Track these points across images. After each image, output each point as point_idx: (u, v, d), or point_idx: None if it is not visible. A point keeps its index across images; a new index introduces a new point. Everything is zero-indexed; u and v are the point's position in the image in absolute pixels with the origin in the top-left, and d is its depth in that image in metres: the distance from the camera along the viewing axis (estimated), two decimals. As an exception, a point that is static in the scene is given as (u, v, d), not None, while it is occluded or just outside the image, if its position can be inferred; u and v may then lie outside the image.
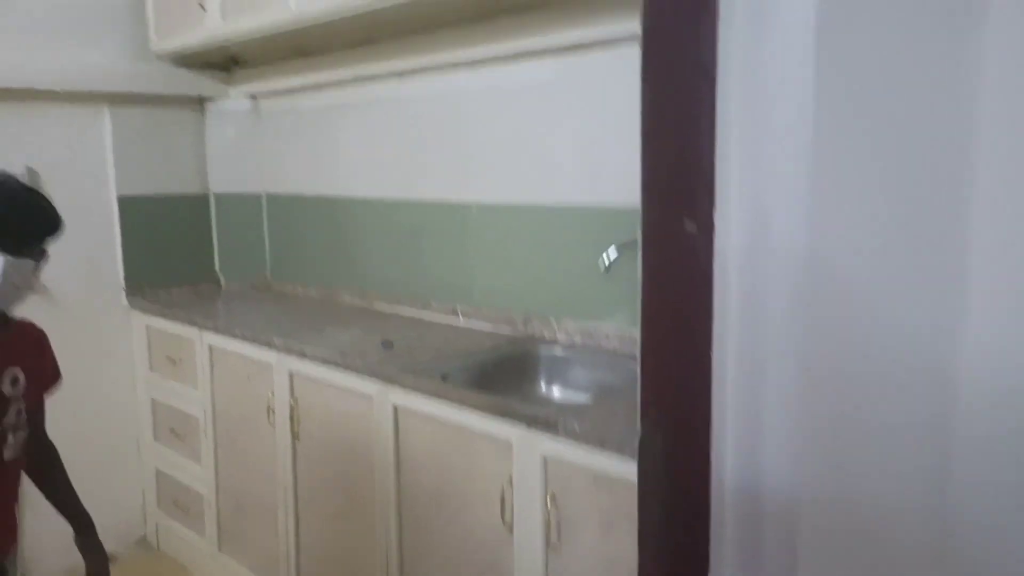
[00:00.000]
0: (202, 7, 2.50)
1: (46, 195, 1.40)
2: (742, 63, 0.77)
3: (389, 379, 1.90)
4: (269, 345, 2.28)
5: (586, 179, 2.05)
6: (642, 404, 0.91)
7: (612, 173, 1.98)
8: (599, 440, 1.42)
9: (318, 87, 2.77)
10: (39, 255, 1.38)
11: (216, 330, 2.51)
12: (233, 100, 3.08)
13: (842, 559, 0.81)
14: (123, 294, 2.94)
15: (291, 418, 2.23)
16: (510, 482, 1.61)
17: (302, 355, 2.17)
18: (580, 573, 1.50)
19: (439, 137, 2.43)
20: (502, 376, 2.03)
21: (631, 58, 1.89)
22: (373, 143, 2.66)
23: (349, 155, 2.77)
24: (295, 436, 2.23)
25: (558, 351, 2.09)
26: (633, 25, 1.82)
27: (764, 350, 0.80)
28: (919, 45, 0.71)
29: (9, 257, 1.30)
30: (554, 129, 2.11)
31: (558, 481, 1.52)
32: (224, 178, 3.15)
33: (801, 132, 0.75)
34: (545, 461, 1.54)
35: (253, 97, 3.08)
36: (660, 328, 0.88)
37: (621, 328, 2.02)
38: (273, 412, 2.30)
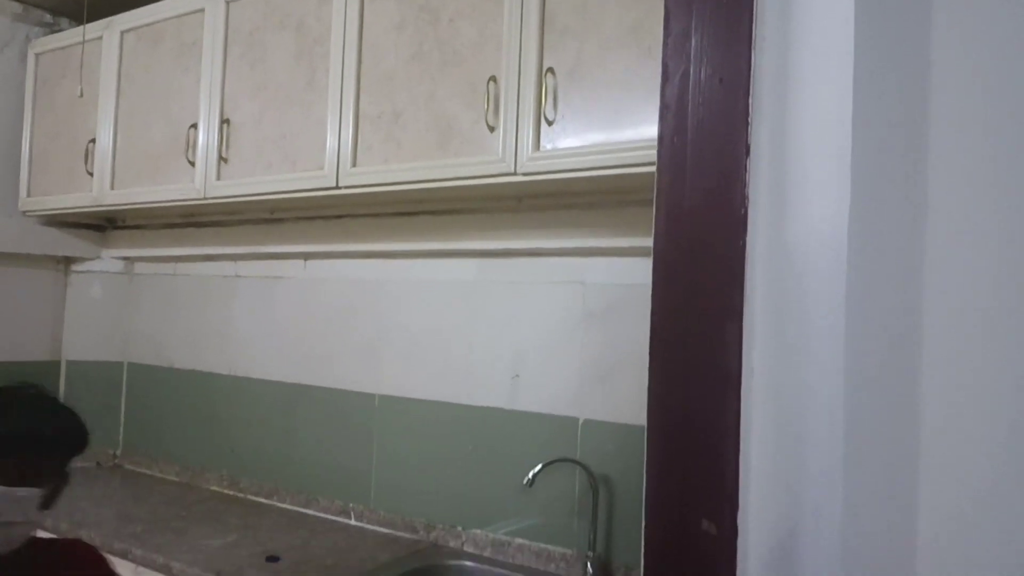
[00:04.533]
0: (89, 173, 2.32)
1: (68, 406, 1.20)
2: (767, 370, 0.76)
3: (278, 608, 1.66)
4: (124, 555, 1.96)
5: (506, 382, 1.99)
6: None
7: (534, 380, 1.94)
8: None
9: (208, 258, 2.61)
10: (56, 481, 1.15)
11: (55, 531, 2.14)
12: (104, 261, 2.83)
13: None
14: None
15: (143, 645, 1.88)
16: None
17: (166, 571, 1.87)
18: None
19: (347, 323, 2.31)
20: (406, 599, 1.84)
21: (559, 267, 1.92)
22: (268, 321, 2.50)
23: (237, 330, 2.57)
24: (146, 667, 1.88)
25: (468, 564, 1.93)
26: (564, 241, 1.86)
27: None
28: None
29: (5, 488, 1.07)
30: (474, 328, 2.06)
31: None
32: (81, 344, 2.83)
33: (833, 444, 0.73)
34: None
35: (127, 259, 2.84)
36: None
37: (536, 542, 1.90)
38: (120, 636, 1.94)
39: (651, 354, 0.82)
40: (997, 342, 0.86)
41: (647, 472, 0.81)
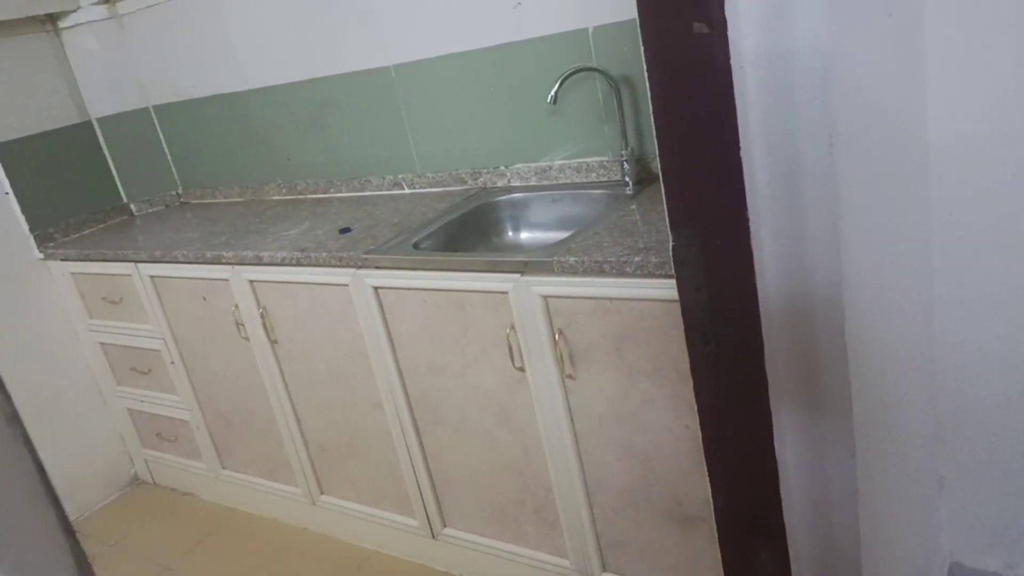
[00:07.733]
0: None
1: None
2: None
3: (361, 263, 1.88)
4: (218, 260, 2.20)
5: (509, 14, 1.98)
6: (671, 220, 0.95)
7: (535, 2, 1.92)
8: (598, 268, 1.48)
9: (183, -27, 2.51)
10: None
11: (153, 259, 2.39)
12: (85, 10, 2.76)
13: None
14: (33, 248, 2.74)
15: (264, 326, 2.20)
16: (513, 329, 1.66)
17: (258, 261, 2.10)
18: (600, 392, 1.60)
19: (337, 3, 2.27)
20: (470, 233, 2.04)
21: None
22: (263, 24, 2.47)
23: (238, 43, 2.56)
24: (273, 342, 2.21)
25: (517, 196, 2.10)
26: None
27: (795, 137, 0.83)
28: None
29: None
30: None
31: (562, 317, 1.58)
32: (102, 100, 2.88)
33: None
34: (546, 301, 1.59)
35: (107, 1, 2.76)
36: (681, 140, 0.90)
37: (575, 160, 2.03)
38: (242, 325, 2.25)
39: None
40: None
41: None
